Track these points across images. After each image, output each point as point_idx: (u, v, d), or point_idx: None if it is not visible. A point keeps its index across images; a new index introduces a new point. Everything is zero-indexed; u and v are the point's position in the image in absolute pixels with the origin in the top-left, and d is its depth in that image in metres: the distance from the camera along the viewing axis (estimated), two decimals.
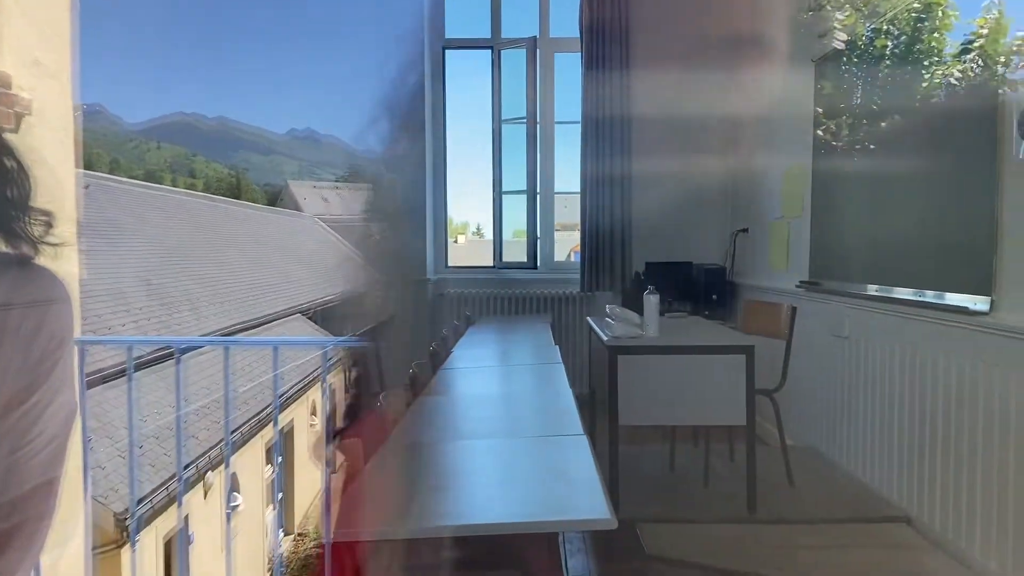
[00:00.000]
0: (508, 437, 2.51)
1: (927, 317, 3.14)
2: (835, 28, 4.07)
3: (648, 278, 5.75)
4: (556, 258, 6.68)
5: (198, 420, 6.60)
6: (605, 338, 3.47)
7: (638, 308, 3.63)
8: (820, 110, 4.36)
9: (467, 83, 6.78)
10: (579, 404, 2.83)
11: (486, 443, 2.42)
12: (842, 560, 2.91)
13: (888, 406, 3.48)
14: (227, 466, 5.74)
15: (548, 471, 2.13)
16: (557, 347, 4.44)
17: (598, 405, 3.98)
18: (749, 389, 3.36)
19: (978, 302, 2.76)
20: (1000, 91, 2.68)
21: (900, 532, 3.17)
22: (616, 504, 3.32)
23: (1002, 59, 2.68)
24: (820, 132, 4.36)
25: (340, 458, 1.93)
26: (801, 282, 4.48)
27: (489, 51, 6.50)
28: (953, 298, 2.95)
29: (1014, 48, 2.62)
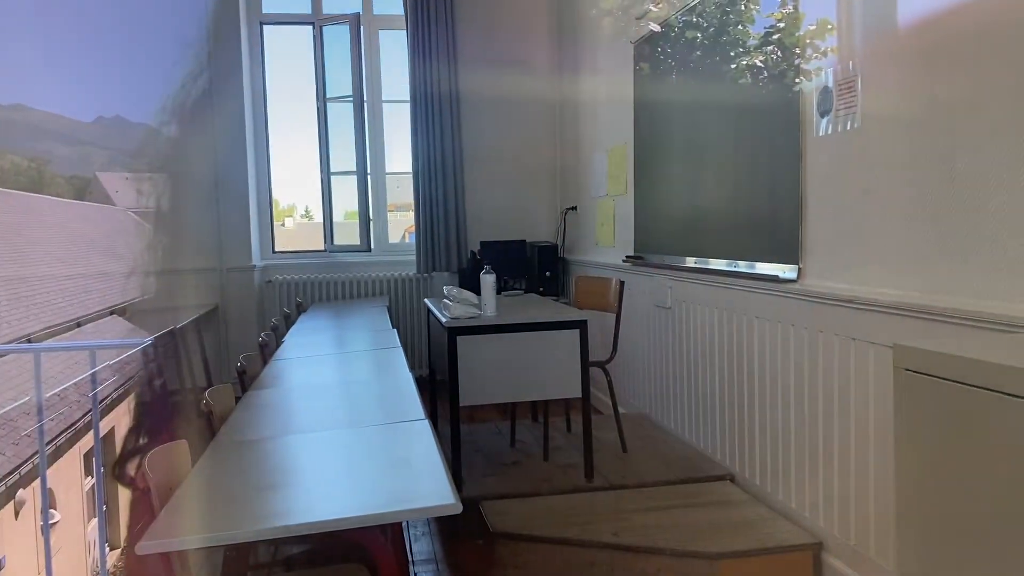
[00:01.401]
0: (347, 427, 2.43)
1: (742, 286, 3.34)
2: (651, 11, 4.23)
3: (484, 257, 5.79)
4: (391, 240, 6.58)
5: (4, 435, 5.98)
6: (444, 319, 3.45)
7: (475, 288, 3.63)
8: (639, 90, 4.53)
9: (289, 60, 6.50)
10: (419, 387, 2.80)
11: (324, 435, 2.33)
12: (674, 519, 3.07)
13: (709, 371, 3.69)
14: (43, 480, 5.25)
15: (390, 460, 2.08)
16: (395, 331, 4.38)
17: (439, 386, 3.97)
18: (583, 362, 3.46)
19: (786, 270, 2.97)
20: (798, 77, 2.89)
21: (725, 489, 3.39)
22: (460, 485, 3.33)
23: (798, 49, 2.89)
24: (639, 112, 4.53)
25: (162, 463, 1.79)
26: (627, 257, 4.66)
27: (310, 27, 6.27)
28: (764, 267, 3.16)
29: (807, 38, 2.83)
